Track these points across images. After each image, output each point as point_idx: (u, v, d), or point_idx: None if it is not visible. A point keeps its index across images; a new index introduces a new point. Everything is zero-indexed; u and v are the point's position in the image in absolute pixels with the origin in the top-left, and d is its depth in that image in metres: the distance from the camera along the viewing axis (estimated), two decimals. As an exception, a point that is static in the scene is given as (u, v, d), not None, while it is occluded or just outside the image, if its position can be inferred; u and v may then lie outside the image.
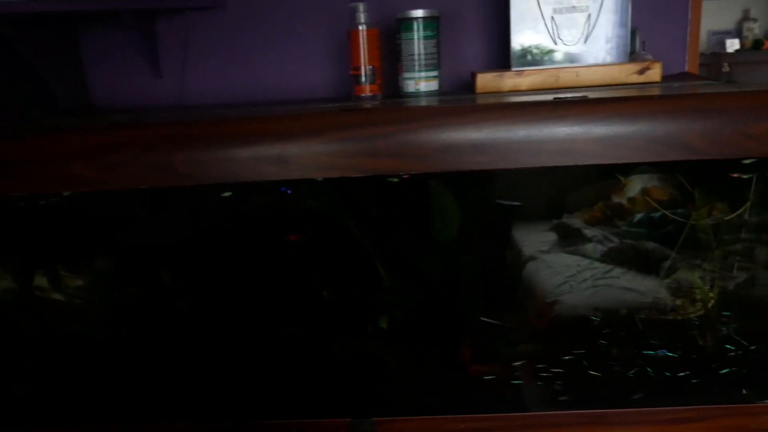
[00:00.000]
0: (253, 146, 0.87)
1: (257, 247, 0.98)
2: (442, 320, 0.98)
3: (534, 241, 0.95)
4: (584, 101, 0.87)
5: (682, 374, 0.96)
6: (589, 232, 0.93)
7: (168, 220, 0.98)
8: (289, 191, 0.93)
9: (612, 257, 0.93)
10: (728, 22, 4.64)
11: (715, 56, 4.40)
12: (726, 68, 4.21)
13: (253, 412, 1.00)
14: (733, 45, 4.48)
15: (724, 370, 0.95)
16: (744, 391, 0.95)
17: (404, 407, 0.98)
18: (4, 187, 0.89)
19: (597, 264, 0.94)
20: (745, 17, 4.62)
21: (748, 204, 0.91)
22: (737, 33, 4.58)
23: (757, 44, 4.44)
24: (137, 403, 1.02)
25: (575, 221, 0.94)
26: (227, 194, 0.93)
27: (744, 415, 0.95)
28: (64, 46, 1.42)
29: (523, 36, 1.15)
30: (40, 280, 1.02)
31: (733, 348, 0.95)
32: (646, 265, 0.93)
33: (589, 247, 0.94)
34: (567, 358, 0.97)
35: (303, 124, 0.87)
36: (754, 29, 4.54)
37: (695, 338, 0.95)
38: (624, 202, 0.91)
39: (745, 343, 0.94)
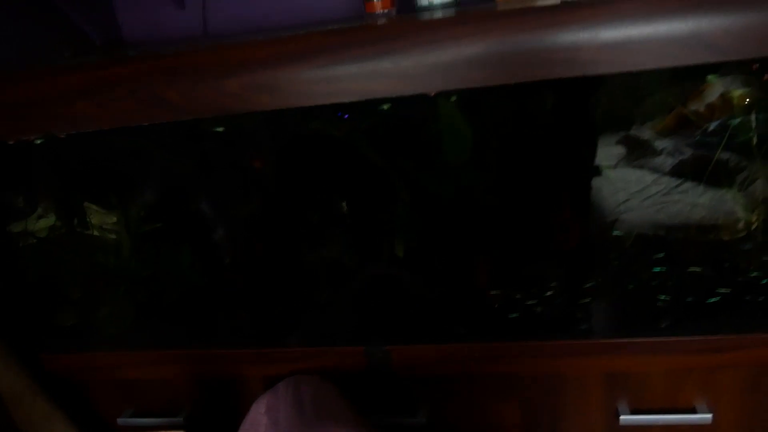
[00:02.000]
0: (243, 75, 0.85)
1: (274, 174, 0.97)
2: (460, 245, 0.95)
3: (597, 154, 0.89)
4: (590, 2, 0.78)
5: (717, 300, 0.90)
6: (660, 143, 0.86)
7: (185, 151, 0.99)
8: (346, 116, 0.91)
9: (682, 170, 0.86)
10: None
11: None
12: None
13: (270, 337, 1.02)
14: None
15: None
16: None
17: (419, 335, 0.97)
18: (6, 130, 0.91)
19: (665, 178, 0.87)
20: None
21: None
22: None
23: None
24: (167, 330, 1.07)
25: (645, 132, 0.86)
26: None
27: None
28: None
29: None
30: (74, 218, 1.06)
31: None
32: (719, 177, 0.86)
33: (658, 160, 0.87)
34: (596, 283, 0.92)
35: (288, 48, 0.84)
36: None
37: (738, 259, 0.88)
38: (701, 108, 0.83)
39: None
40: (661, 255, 0.90)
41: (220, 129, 0.94)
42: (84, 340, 1.09)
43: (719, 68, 0.80)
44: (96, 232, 1.05)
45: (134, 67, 0.88)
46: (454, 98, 0.87)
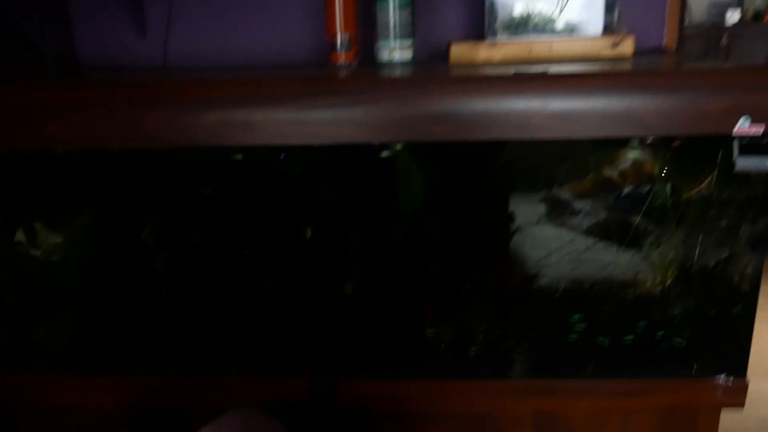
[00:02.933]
0: (220, 111, 0.90)
1: (230, 209, 1.01)
2: (406, 286, 1.01)
3: (520, 212, 0.98)
4: (542, 76, 0.89)
5: (637, 346, 1.00)
6: (578, 204, 0.96)
7: (143, 178, 1.01)
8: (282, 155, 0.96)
9: (598, 230, 0.96)
10: (731, -8, 4.58)
11: (715, 28, 4.35)
12: (724, 41, 4.16)
13: (220, 367, 1.04)
14: (733, 16, 4.42)
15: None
16: (694, 366, 0.99)
17: (365, 370, 1.02)
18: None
19: (582, 237, 0.97)
20: (748, -13, 4.55)
21: (710, 179, 0.94)
22: (739, 3, 4.51)
23: (758, 16, 4.38)
24: (105, 356, 1.07)
25: (565, 193, 0.96)
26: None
27: (693, 390, 0.99)
28: (51, 2, 1.43)
29: (499, 7, 1.16)
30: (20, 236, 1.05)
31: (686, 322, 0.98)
32: (629, 238, 0.96)
33: (577, 219, 0.96)
34: (527, 328, 1.01)
35: (268, 90, 0.90)
36: (756, 0, 4.47)
37: (655, 312, 0.99)
38: (615, 174, 0.94)
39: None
40: (581, 305, 1.00)
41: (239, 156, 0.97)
42: (16, 361, 1.07)
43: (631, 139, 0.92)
44: (39, 252, 1.05)
45: (112, 91, 0.91)
46: (399, 146, 0.94)
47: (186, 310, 1.05)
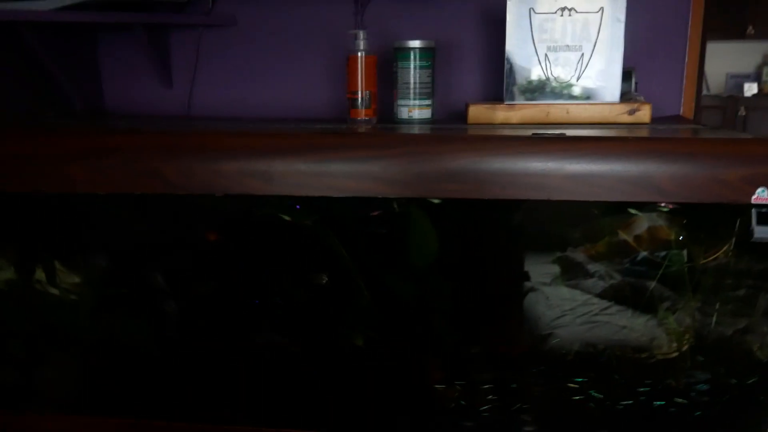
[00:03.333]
0: (241, 161, 0.91)
1: (241, 258, 1.02)
2: (416, 343, 1.01)
3: (534, 272, 0.97)
4: (560, 138, 0.90)
5: (650, 414, 0.98)
6: (592, 267, 0.95)
7: (155, 223, 1.02)
8: (298, 206, 0.97)
9: (611, 293, 0.95)
10: (748, 65, 4.65)
11: (732, 99, 4.40)
12: (742, 112, 4.21)
13: (228, 416, 1.03)
14: (751, 89, 4.48)
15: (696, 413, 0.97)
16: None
17: (374, 425, 1.01)
18: None
19: (595, 300, 0.96)
20: (766, 62, 4.62)
21: (727, 247, 0.93)
22: (756, 77, 4.58)
23: (774, 90, 4.45)
24: (114, 397, 1.06)
25: (578, 255, 0.96)
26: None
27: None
28: (82, 52, 1.48)
29: (517, 71, 1.18)
30: (39, 274, 1.06)
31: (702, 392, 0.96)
32: (644, 303, 0.95)
33: (590, 282, 0.96)
34: (538, 389, 0.99)
35: (288, 142, 0.92)
36: (773, 74, 4.54)
37: (669, 379, 0.97)
38: (629, 239, 0.94)
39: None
40: (593, 369, 0.98)
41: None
42: (25, 401, 1.07)
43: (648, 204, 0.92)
44: (56, 291, 1.06)
45: (133, 137, 0.94)
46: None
47: (194, 357, 1.04)
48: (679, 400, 0.96)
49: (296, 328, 1.02)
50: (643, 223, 0.93)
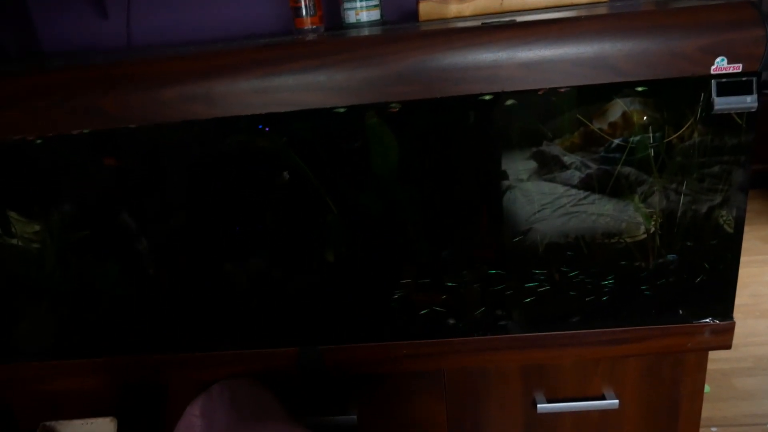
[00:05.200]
0: (179, 86, 0.87)
1: (205, 183, 0.99)
2: (387, 252, 1.00)
3: (510, 169, 0.95)
4: (509, 25, 0.86)
5: (622, 296, 0.99)
6: (568, 158, 0.93)
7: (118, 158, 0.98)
8: (266, 129, 0.93)
9: (589, 183, 0.94)
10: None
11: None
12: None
13: (202, 342, 1.03)
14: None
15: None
16: (680, 312, 0.98)
17: (352, 336, 1.01)
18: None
19: (573, 191, 0.95)
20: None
21: (691, 123, 0.91)
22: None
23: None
24: (94, 339, 1.06)
25: (554, 148, 0.93)
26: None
27: (680, 334, 0.98)
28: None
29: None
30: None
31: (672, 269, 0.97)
32: (621, 190, 0.94)
33: (567, 173, 0.94)
34: (512, 284, 0.99)
35: (226, 61, 0.87)
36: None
37: (641, 261, 0.97)
38: (605, 126, 0.91)
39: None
40: (570, 258, 0.98)
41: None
42: (5, 352, 1.06)
43: (620, 90, 0.89)
44: (19, 242, 1.03)
45: (67, 76, 0.89)
46: (372, 114, 0.92)
47: (169, 287, 1.03)
48: (647, 281, 0.97)
49: (268, 253, 1.01)
50: (617, 109, 0.91)
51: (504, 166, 0.94)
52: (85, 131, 0.92)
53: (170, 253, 1.01)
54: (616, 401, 1.01)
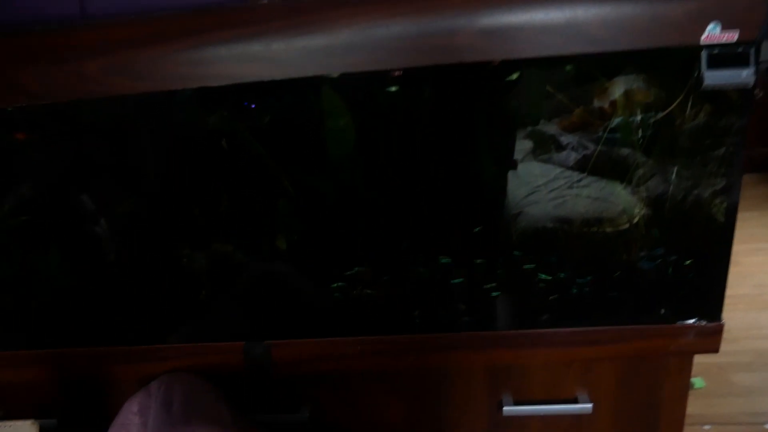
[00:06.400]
0: (100, 58, 0.79)
1: (146, 166, 0.91)
2: (341, 240, 0.92)
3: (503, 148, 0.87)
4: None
5: (598, 292, 0.90)
6: (565, 139, 0.85)
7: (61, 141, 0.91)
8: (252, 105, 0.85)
9: (585, 165, 0.85)
10: None
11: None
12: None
13: (145, 335, 0.97)
14: None
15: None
16: (662, 311, 0.89)
17: (303, 330, 0.94)
18: None
19: (568, 173, 0.86)
20: None
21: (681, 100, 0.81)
22: None
23: None
24: (34, 330, 1.00)
25: (551, 127, 0.84)
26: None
27: (662, 336, 0.89)
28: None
29: None
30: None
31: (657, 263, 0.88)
32: (618, 172, 0.85)
33: (562, 154, 0.85)
34: (473, 277, 0.91)
35: (153, 29, 0.78)
36: None
37: (619, 251, 0.88)
38: (605, 105, 0.82)
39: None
40: (539, 250, 0.89)
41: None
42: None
43: (623, 68, 0.79)
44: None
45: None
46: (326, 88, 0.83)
47: (111, 276, 0.96)
48: (628, 275, 0.88)
49: (216, 240, 0.93)
50: (618, 87, 0.81)
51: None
52: (8, 109, 0.84)
53: (112, 240, 0.94)
54: (590, 405, 0.92)
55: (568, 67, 0.81)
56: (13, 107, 0.83)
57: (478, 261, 0.90)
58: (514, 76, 0.81)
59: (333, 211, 0.90)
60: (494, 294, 0.91)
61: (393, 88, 0.83)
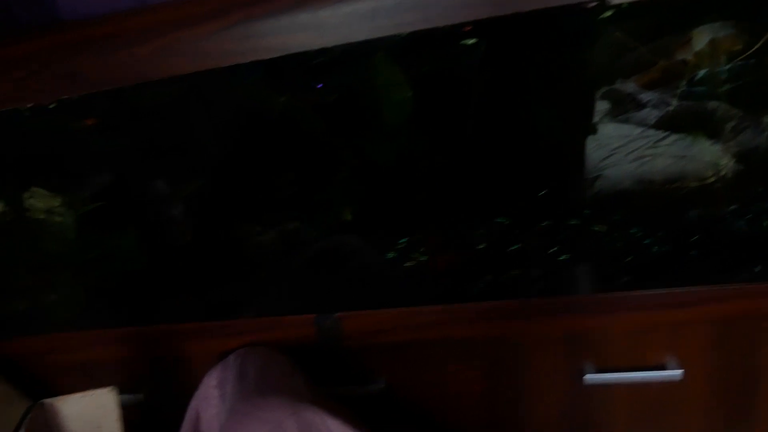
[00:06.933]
0: (153, 40, 0.80)
1: (218, 144, 0.92)
2: (407, 209, 0.89)
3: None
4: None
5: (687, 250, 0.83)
6: (644, 96, 0.79)
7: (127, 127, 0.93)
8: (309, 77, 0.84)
9: (668, 122, 0.79)
10: None
11: None
12: None
13: (220, 311, 0.98)
14: None
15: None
16: (757, 269, 0.81)
17: (369, 301, 0.93)
18: None
19: (650, 132, 0.80)
20: None
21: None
22: None
23: None
24: (116, 310, 1.04)
25: (629, 86, 0.79)
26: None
27: (756, 296, 0.81)
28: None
29: None
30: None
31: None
32: (706, 128, 0.79)
33: (643, 113, 0.80)
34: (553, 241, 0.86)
35: (202, 8, 0.78)
36: None
37: (714, 208, 0.81)
38: (689, 57, 0.75)
39: None
40: (626, 207, 0.83)
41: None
42: (36, 324, 1.06)
43: (707, 16, 0.72)
44: (43, 216, 1.01)
45: (41, 41, 0.83)
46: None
47: (188, 257, 0.98)
48: (721, 232, 0.81)
49: (283, 216, 0.93)
50: (704, 36, 0.74)
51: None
52: (66, 98, 0.86)
53: (183, 221, 0.96)
54: (680, 371, 0.86)
55: (648, 18, 0.74)
56: (78, 96, 0.85)
57: (553, 225, 0.85)
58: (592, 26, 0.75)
59: (397, 178, 0.87)
60: (568, 257, 0.86)
61: (451, 47, 0.78)
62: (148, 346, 1.02)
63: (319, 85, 0.83)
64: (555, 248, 0.86)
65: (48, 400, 0.74)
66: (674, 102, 0.78)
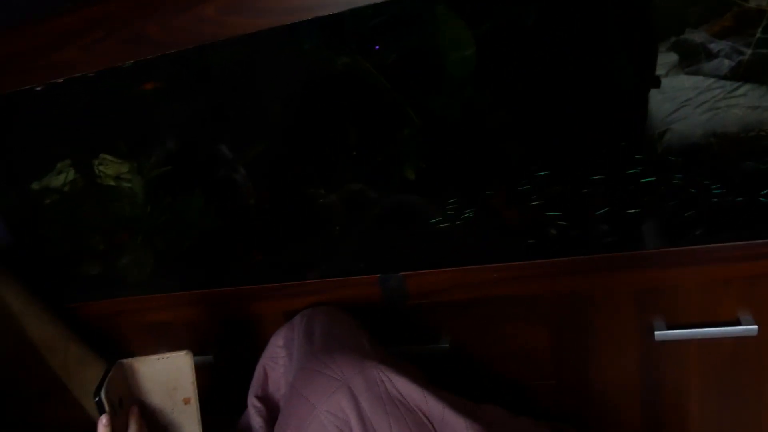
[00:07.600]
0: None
1: (281, 107, 0.92)
2: (469, 166, 0.88)
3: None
4: None
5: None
6: (715, 45, 0.76)
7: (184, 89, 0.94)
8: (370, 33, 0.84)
9: (742, 72, 0.76)
10: None
11: None
12: None
13: (287, 272, 1.00)
14: None
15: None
16: None
17: (433, 259, 0.92)
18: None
19: (722, 83, 0.77)
20: None
21: None
22: None
23: None
24: (187, 272, 1.06)
25: (699, 35, 0.76)
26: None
27: None
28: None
29: None
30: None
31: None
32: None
33: (714, 63, 0.77)
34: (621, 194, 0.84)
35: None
36: None
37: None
38: (765, 4, 0.72)
39: None
40: (699, 159, 0.81)
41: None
42: (110, 288, 1.10)
43: None
44: (112, 182, 1.04)
45: (106, 6, 0.85)
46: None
47: (255, 220, 1.00)
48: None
49: (347, 176, 0.93)
50: None
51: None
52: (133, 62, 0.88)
53: (250, 184, 0.97)
54: (755, 327, 0.83)
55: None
56: (145, 59, 0.86)
57: (620, 178, 0.83)
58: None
59: (460, 135, 0.87)
60: (638, 211, 0.84)
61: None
62: (217, 309, 1.05)
63: (370, 33, 0.83)
64: (624, 203, 0.84)
65: (126, 360, 0.77)
66: (748, 51, 0.75)
